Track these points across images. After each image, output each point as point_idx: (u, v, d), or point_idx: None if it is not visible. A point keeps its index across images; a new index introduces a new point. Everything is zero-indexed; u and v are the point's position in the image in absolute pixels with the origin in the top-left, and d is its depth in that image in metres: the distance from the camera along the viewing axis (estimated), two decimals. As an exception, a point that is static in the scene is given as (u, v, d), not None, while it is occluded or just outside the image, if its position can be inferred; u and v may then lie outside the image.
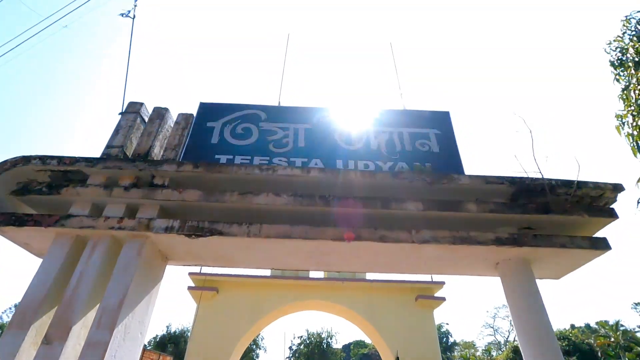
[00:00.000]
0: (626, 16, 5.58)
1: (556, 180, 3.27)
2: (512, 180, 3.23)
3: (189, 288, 9.36)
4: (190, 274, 9.45)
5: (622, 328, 28.12)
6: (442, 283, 9.95)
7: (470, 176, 3.24)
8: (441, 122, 3.87)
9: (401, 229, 2.82)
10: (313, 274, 10.57)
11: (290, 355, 37.55)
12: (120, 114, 3.86)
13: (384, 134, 3.77)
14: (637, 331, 29.46)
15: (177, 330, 32.62)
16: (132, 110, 3.82)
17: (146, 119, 3.84)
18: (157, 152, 3.62)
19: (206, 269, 9.79)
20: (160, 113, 3.80)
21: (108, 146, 3.49)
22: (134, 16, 4.34)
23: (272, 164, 3.41)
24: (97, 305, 2.54)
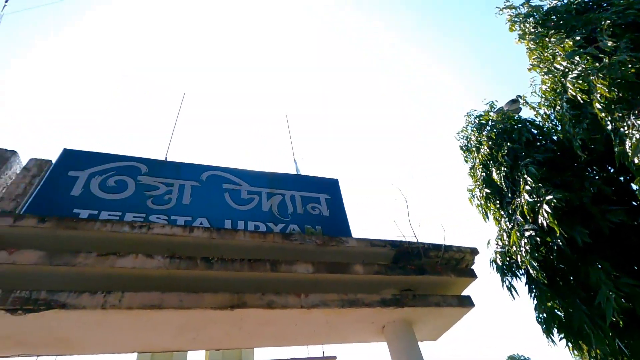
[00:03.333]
0: (468, 112, 7.32)
1: (428, 244, 3.62)
2: (393, 243, 3.46)
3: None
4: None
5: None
6: (334, 357, 9.59)
7: (357, 239, 3.37)
8: (331, 187, 4.07)
9: (290, 294, 2.65)
10: None
11: None
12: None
13: (277, 197, 3.75)
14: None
15: None
16: (-39, 150, 3.02)
17: (-19, 163, 3.05)
18: (-10, 204, 2.84)
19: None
20: (2, 156, 3.08)
21: None
22: None
23: (148, 221, 2.98)
24: None
